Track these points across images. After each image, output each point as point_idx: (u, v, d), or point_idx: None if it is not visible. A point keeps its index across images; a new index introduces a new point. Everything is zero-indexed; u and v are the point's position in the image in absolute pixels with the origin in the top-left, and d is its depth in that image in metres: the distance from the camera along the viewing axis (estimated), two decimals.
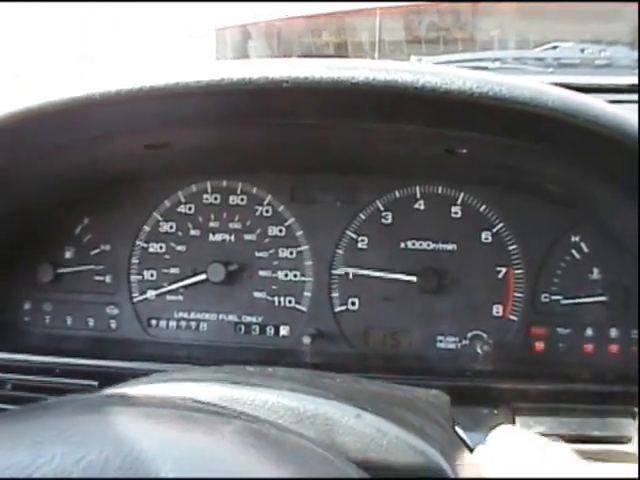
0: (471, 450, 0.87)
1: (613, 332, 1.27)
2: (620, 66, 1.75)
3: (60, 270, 1.39)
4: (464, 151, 1.10)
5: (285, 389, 0.67)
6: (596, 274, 1.27)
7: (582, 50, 1.81)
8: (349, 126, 1.06)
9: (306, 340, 1.27)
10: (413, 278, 1.29)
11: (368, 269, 1.32)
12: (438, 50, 2.07)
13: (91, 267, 1.39)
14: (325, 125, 1.07)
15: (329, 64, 0.96)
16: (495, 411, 1.12)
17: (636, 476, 0.57)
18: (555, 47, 1.85)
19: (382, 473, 0.60)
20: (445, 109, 0.93)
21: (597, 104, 0.92)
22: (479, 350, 1.26)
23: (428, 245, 1.31)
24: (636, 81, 1.39)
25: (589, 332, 1.27)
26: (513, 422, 1.12)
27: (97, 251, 1.39)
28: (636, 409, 1.13)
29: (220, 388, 0.65)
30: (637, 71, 1.58)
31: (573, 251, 1.28)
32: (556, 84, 0.98)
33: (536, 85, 0.92)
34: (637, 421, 1.11)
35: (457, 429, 0.87)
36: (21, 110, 1.00)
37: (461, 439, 0.87)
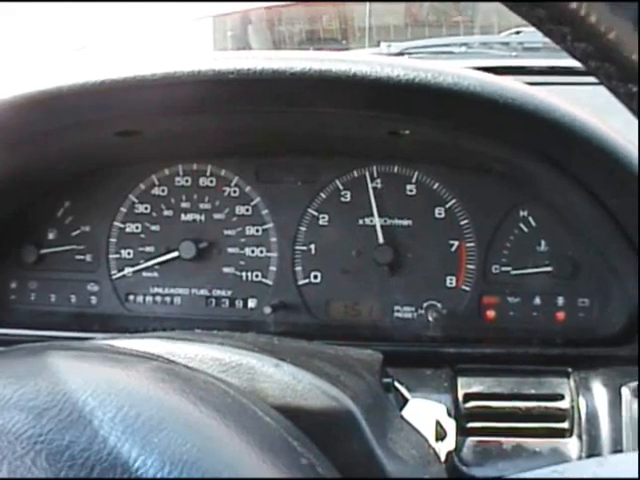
0: (406, 402, 0.96)
1: (560, 300, 1.35)
2: None
3: (43, 251, 1.48)
4: (407, 132, 1.19)
5: (215, 344, 0.76)
6: (543, 246, 1.35)
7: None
8: (296, 112, 1.15)
9: (267, 310, 1.36)
10: (370, 252, 1.38)
11: (329, 244, 1.40)
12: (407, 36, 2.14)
13: (72, 247, 1.48)
14: (275, 111, 1.16)
15: (280, 56, 1.06)
16: (438, 372, 1.21)
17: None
18: (518, 32, 1.93)
19: (299, 417, 0.69)
20: (378, 95, 1.02)
21: (516, 87, 1.01)
22: (430, 318, 1.34)
23: (385, 221, 1.39)
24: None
25: (537, 301, 1.35)
26: (455, 382, 1.21)
27: (78, 232, 1.48)
28: (570, 369, 1.22)
29: (158, 342, 0.74)
30: None
31: (521, 225, 1.36)
32: (484, 69, 1.07)
33: (460, 71, 1.01)
34: (571, 380, 1.20)
35: (397, 385, 0.96)
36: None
37: (398, 393, 0.96)
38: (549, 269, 1.34)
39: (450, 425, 0.98)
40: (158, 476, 0.48)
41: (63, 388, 0.53)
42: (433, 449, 0.86)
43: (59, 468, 0.48)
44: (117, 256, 1.47)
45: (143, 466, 0.49)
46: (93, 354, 0.62)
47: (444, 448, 0.95)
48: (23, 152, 1.26)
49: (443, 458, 0.92)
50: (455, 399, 1.19)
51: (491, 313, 1.36)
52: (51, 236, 1.49)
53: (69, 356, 0.60)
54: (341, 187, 1.41)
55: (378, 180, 1.40)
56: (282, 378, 0.73)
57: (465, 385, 1.21)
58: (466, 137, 1.15)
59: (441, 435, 0.96)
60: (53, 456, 0.49)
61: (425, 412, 0.94)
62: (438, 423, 0.96)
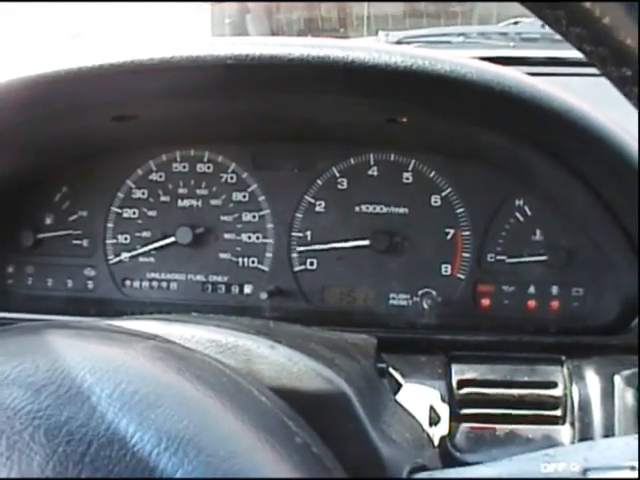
0: (400, 388, 0.97)
1: (554, 289, 1.35)
2: None
3: (40, 235, 1.48)
4: (404, 120, 1.19)
5: (212, 325, 0.77)
6: (538, 235, 1.35)
7: (542, 25, 1.89)
8: (293, 98, 1.15)
9: (263, 296, 1.37)
10: (367, 240, 1.38)
11: (325, 231, 1.41)
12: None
13: (69, 232, 1.48)
14: (273, 97, 1.16)
15: (278, 42, 1.07)
16: (432, 358, 1.22)
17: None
18: (517, 22, 1.93)
19: (293, 398, 0.69)
20: (376, 82, 1.03)
21: (513, 75, 1.01)
22: (425, 305, 1.35)
23: (381, 209, 1.40)
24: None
25: (532, 289, 1.36)
26: (449, 369, 1.22)
27: (75, 217, 1.48)
28: (564, 357, 1.23)
29: (155, 323, 0.75)
30: None
31: (517, 214, 1.36)
32: (482, 58, 1.08)
33: (458, 59, 1.01)
34: (565, 368, 1.21)
35: (391, 371, 0.97)
36: None
37: (392, 378, 0.97)
38: (544, 258, 1.35)
39: (444, 410, 0.99)
40: (155, 452, 0.49)
41: (61, 365, 0.54)
42: (427, 433, 0.87)
43: (57, 444, 0.49)
44: (114, 241, 1.47)
45: (140, 442, 0.50)
46: (91, 332, 0.62)
47: (437, 433, 0.96)
48: (20, 137, 1.27)
49: (436, 443, 0.92)
50: (449, 386, 1.20)
51: (486, 301, 1.37)
52: (48, 221, 1.49)
53: (67, 334, 0.61)
54: (338, 174, 1.41)
55: (375, 168, 1.41)
56: (277, 360, 0.73)
57: (459, 372, 1.22)
58: (463, 125, 1.16)
59: (435, 420, 0.96)
60: (51, 432, 0.50)
61: (419, 397, 0.95)
62: (432, 408, 0.96)
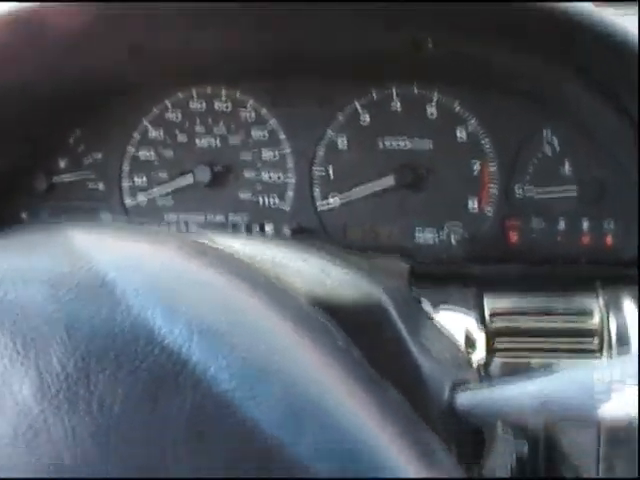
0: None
1: (585, 223, 1.31)
2: None
3: (55, 179, 1.45)
4: (430, 45, 1.15)
5: (240, 240, 0.73)
6: (568, 168, 1.31)
7: None
8: (313, 24, 1.10)
9: (286, 233, 1.34)
10: (390, 175, 1.34)
11: (347, 167, 1.37)
12: None
13: (84, 175, 1.45)
14: (294, 25, 1.12)
15: None
16: (463, 290, 1.18)
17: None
18: None
19: (329, 310, 0.66)
20: None
21: None
22: (453, 241, 1.31)
23: (405, 144, 1.35)
24: None
25: (562, 224, 1.32)
26: (481, 300, 1.19)
27: (90, 160, 1.45)
28: (599, 287, 1.19)
29: (184, 235, 0.71)
30: None
31: (546, 145, 1.32)
32: None
33: None
34: (600, 298, 1.17)
35: (422, 299, 0.93)
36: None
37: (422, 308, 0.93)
38: (574, 192, 1.30)
39: (480, 336, 0.96)
40: (185, 346, 0.45)
41: (83, 259, 0.50)
42: (466, 355, 0.84)
43: (78, 340, 0.45)
44: (130, 183, 1.44)
45: (169, 336, 0.45)
46: (117, 231, 0.58)
47: (474, 359, 0.92)
48: (34, 74, 1.23)
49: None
50: (482, 317, 1.17)
51: (514, 236, 1.33)
52: (62, 164, 1.46)
53: (90, 231, 0.57)
54: (360, 109, 1.37)
55: (398, 101, 1.36)
56: (311, 271, 0.70)
57: (492, 303, 1.18)
58: (493, 46, 1.11)
59: (471, 345, 0.93)
60: (72, 327, 0.46)
61: (455, 322, 0.92)
62: (468, 333, 0.93)
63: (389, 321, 0.69)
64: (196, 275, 0.51)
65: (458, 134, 1.34)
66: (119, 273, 0.49)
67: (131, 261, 0.50)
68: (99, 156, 1.45)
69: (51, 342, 0.45)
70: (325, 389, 0.46)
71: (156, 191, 1.42)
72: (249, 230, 1.40)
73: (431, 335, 0.76)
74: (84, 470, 0.43)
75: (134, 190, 1.43)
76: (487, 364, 1.11)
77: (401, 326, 0.69)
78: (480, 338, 0.96)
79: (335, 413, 0.45)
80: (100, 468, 0.43)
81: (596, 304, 1.17)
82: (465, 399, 0.69)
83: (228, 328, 0.47)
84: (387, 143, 1.36)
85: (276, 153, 1.39)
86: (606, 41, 0.99)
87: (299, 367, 0.47)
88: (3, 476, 0.43)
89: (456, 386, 0.70)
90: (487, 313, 1.17)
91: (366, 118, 1.37)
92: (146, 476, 0.41)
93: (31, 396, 0.44)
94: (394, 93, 1.36)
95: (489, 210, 1.34)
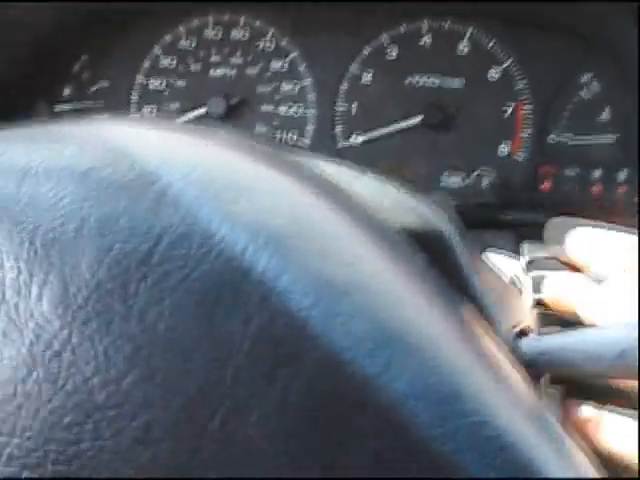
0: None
1: (622, 174, 1.24)
2: None
3: (58, 108, 1.36)
4: None
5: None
6: (607, 114, 1.24)
7: None
8: None
9: None
10: (418, 114, 1.26)
11: (371, 104, 1.28)
12: None
13: (90, 104, 1.36)
14: None
15: None
16: (500, 234, 1.11)
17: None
18: None
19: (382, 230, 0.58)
20: None
21: None
22: (483, 185, 1.24)
23: (433, 82, 1.27)
24: None
25: (597, 174, 1.25)
26: (518, 246, 1.11)
27: (96, 88, 1.36)
28: None
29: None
30: None
31: (585, 89, 1.24)
32: None
33: None
34: None
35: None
36: None
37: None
38: (612, 139, 1.23)
39: (527, 281, 0.88)
40: (249, 250, 0.36)
41: (116, 149, 0.40)
42: (520, 297, 0.76)
43: (112, 239, 0.35)
44: (139, 114, 1.35)
45: (227, 237, 0.36)
46: (155, 126, 0.49)
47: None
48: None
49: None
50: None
51: (547, 184, 1.25)
52: (66, 92, 1.37)
53: (127, 125, 0.48)
54: (387, 42, 1.28)
55: (428, 36, 1.27)
56: (363, 191, 0.61)
57: (530, 251, 1.11)
58: None
59: (519, 288, 0.85)
60: (104, 224, 0.36)
61: (501, 265, 0.84)
62: (515, 277, 0.85)
63: (453, 253, 0.60)
64: (254, 171, 0.43)
65: (491, 73, 1.26)
66: (160, 162, 0.39)
67: (173, 151, 0.41)
68: (106, 85, 1.36)
69: (78, 241, 0.36)
70: (420, 313, 0.37)
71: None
72: None
73: (489, 276, 0.68)
74: (117, 402, 0.34)
75: None
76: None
77: (463, 260, 0.61)
78: (528, 282, 0.88)
79: (433, 348, 0.36)
80: (138, 402, 0.33)
81: None
82: (532, 346, 0.61)
83: (293, 229, 0.38)
84: (415, 80, 1.28)
85: (296, 86, 1.30)
86: None
87: (382, 278, 0.39)
88: (16, 406, 0.34)
89: (522, 331, 0.62)
90: (524, 262, 1.10)
91: (393, 53, 1.28)
92: (199, 410, 0.33)
93: (52, 308, 0.35)
94: (425, 27, 1.27)
95: (521, 155, 1.26)
